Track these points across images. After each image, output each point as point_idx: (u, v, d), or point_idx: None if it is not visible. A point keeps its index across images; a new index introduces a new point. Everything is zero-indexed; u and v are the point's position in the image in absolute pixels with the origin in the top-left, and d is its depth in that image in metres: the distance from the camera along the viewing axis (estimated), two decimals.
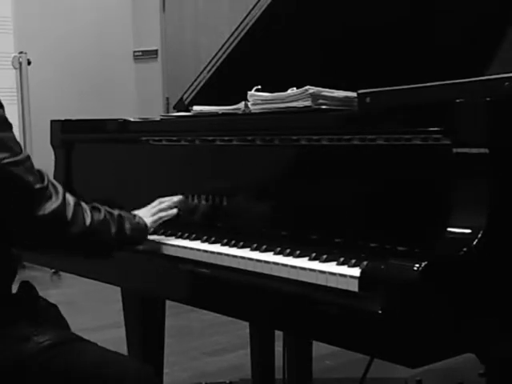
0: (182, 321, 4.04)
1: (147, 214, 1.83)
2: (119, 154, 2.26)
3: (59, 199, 1.55)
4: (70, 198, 1.60)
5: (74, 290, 4.58)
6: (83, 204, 1.64)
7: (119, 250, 1.77)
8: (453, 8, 1.93)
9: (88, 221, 1.62)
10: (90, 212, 1.64)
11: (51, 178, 1.60)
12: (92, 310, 4.35)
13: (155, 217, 1.84)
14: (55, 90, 6.33)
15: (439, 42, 1.95)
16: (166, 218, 1.85)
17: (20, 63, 5.52)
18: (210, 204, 1.90)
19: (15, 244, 1.63)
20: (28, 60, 5.56)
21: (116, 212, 1.73)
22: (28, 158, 1.52)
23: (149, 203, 1.88)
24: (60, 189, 1.58)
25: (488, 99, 1.39)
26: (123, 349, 2.35)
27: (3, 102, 1.52)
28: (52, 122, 2.45)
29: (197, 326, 4.10)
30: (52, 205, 1.53)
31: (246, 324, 2.52)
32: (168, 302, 2.30)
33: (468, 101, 1.40)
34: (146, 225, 1.80)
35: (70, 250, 1.67)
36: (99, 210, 1.68)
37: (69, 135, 2.40)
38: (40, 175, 1.54)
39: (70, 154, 2.38)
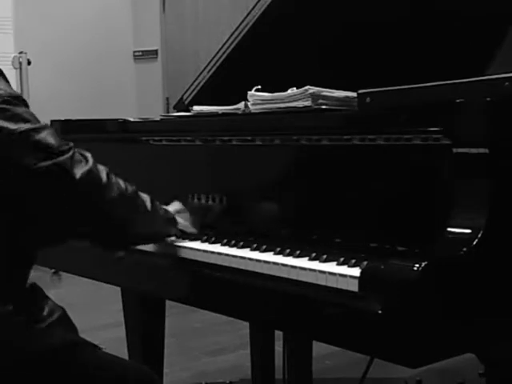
0: (182, 321, 4.04)
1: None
2: (119, 154, 2.26)
3: (89, 162, 1.51)
4: (101, 166, 1.56)
5: (74, 289, 4.58)
6: (111, 172, 1.60)
7: (149, 233, 1.70)
8: (453, 8, 1.93)
9: (123, 187, 1.57)
10: (123, 181, 1.60)
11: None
12: (92, 310, 4.35)
13: (180, 220, 1.78)
14: (55, 90, 6.33)
15: (439, 42, 1.95)
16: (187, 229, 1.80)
17: (20, 63, 5.52)
18: (210, 204, 1.90)
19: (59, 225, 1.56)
20: (28, 60, 5.56)
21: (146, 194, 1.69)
22: (48, 126, 1.50)
23: None
24: (89, 155, 1.53)
25: (488, 99, 1.39)
26: (123, 349, 2.35)
27: None
28: (52, 121, 2.44)
29: (197, 326, 4.10)
30: (83, 168, 1.49)
31: (246, 324, 2.52)
32: (168, 302, 2.30)
33: (468, 101, 1.40)
34: (175, 219, 1.75)
35: (109, 216, 1.58)
36: (131, 184, 1.64)
37: (69, 135, 2.39)
38: (65, 141, 1.50)
39: None
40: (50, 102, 6.01)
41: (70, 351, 1.54)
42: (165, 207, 1.75)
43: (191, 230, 1.81)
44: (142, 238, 1.71)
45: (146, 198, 1.66)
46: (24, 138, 1.43)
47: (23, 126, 1.43)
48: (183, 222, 1.79)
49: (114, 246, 1.74)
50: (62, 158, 1.45)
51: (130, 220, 1.62)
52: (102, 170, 1.54)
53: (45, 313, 1.54)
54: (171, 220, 1.75)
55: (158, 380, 1.66)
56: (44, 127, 1.47)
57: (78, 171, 1.47)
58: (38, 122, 1.47)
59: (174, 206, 1.81)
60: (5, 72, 1.54)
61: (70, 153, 1.47)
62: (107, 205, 1.55)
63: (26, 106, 1.49)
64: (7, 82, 1.53)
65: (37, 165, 1.43)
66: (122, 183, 1.59)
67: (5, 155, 1.43)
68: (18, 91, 5.43)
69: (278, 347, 2.53)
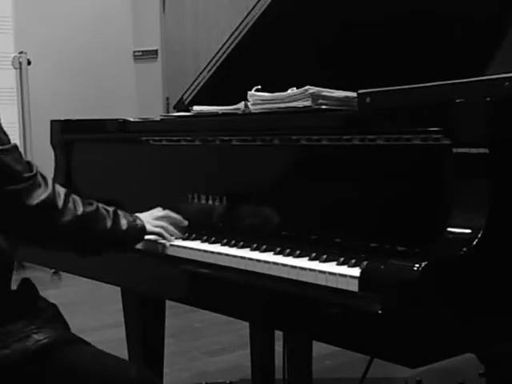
0: (182, 321, 4.04)
1: (148, 218, 1.81)
2: (119, 154, 2.26)
3: (49, 188, 1.56)
4: (61, 189, 1.60)
5: (74, 289, 4.58)
6: (74, 195, 1.64)
7: (112, 248, 1.76)
8: (453, 8, 1.93)
9: (80, 210, 1.62)
10: (82, 203, 1.64)
11: (39, 169, 1.60)
12: (92, 310, 4.35)
13: (157, 223, 1.81)
14: (55, 90, 6.33)
15: (439, 42, 1.95)
16: (163, 232, 1.82)
17: (20, 63, 5.52)
18: (210, 204, 1.90)
19: (7, 237, 1.62)
20: (28, 60, 5.56)
21: (112, 208, 1.72)
22: (16, 147, 1.53)
23: (149, 203, 1.88)
24: (49, 179, 1.58)
25: (488, 99, 1.39)
26: (123, 349, 2.35)
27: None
28: (52, 122, 2.45)
29: (197, 326, 4.10)
30: (42, 194, 1.54)
31: (246, 324, 2.52)
32: (168, 302, 2.30)
33: (468, 101, 1.40)
34: (143, 226, 1.77)
35: (61, 240, 1.65)
36: (92, 204, 1.68)
37: (69, 135, 2.40)
38: (29, 165, 1.55)
39: (70, 154, 2.38)
40: (50, 102, 6.01)
41: (65, 348, 1.54)
42: (136, 215, 1.78)
43: (172, 232, 1.83)
44: (104, 251, 1.75)
45: (105, 214, 1.69)
46: None
47: None
48: (153, 222, 1.80)
49: (78, 254, 1.78)
50: (23, 185, 1.51)
51: (84, 238, 1.67)
52: (60, 195, 1.58)
53: (37, 308, 1.58)
54: (137, 229, 1.76)
55: (157, 381, 1.66)
56: (10, 150, 1.50)
57: (35, 199, 1.53)
58: (8, 142, 1.51)
59: (154, 213, 1.84)
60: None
61: (31, 181, 1.53)
62: (61, 227, 1.60)
63: None
64: None
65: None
66: (79, 206, 1.63)
67: None
68: (18, 91, 5.44)
69: (278, 347, 2.52)
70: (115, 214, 1.71)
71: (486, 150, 1.36)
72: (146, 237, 1.80)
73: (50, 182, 1.58)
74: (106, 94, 6.62)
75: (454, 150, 1.39)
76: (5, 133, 1.53)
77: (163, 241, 1.81)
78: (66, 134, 2.40)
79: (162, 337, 2.40)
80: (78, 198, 1.64)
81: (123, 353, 2.27)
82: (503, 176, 1.39)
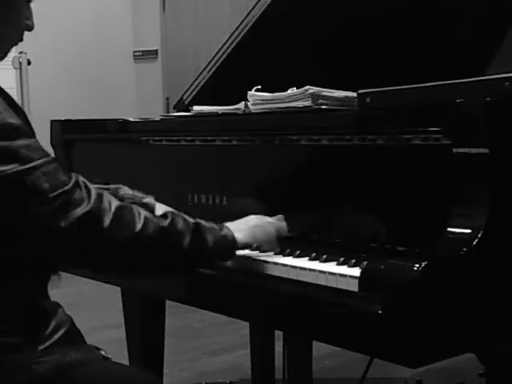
0: (182, 321, 4.04)
1: (242, 227, 1.56)
2: (119, 154, 2.26)
3: (90, 203, 1.33)
4: (113, 201, 1.37)
5: (74, 289, 4.58)
6: (137, 208, 1.40)
7: (198, 266, 1.56)
8: (453, 8, 1.93)
9: (138, 227, 1.36)
10: (145, 218, 1.39)
11: (86, 181, 1.38)
12: (92, 310, 4.35)
13: (252, 232, 1.56)
14: (55, 90, 6.33)
15: (439, 42, 1.95)
16: (269, 240, 1.59)
17: (20, 63, 5.51)
18: (211, 204, 1.90)
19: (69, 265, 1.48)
20: (28, 60, 5.55)
21: (193, 220, 1.47)
22: (44, 163, 1.33)
23: None
24: (93, 192, 1.36)
25: (488, 99, 1.39)
26: (123, 349, 2.35)
27: None
28: (52, 122, 2.45)
29: (197, 326, 4.10)
30: (80, 211, 1.32)
31: (246, 324, 2.52)
32: (168, 302, 2.30)
33: (468, 101, 1.40)
34: (234, 239, 1.52)
35: (118, 263, 1.42)
36: (166, 217, 1.43)
37: (69, 135, 2.40)
38: (63, 181, 1.33)
39: (70, 154, 2.37)
40: (50, 102, 6.01)
41: (65, 373, 1.45)
42: (226, 225, 1.54)
43: (270, 245, 1.61)
44: (183, 270, 1.55)
45: (181, 230, 1.43)
46: (10, 181, 1.30)
47: (10, 168, 1.30)
48: (248, 232, 1.56)
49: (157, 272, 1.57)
50: (51, 205, 1.31)
51: (148, 259, 1.43)
52: (108, 209, 1.35)
53: (49, 330, 1.47)
54: (228, 245, 1.52)
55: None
56: (36, 167, 1.32)
57: (71, 217, 1.31)
58: (34, 159, 1.32)
59: (249, 221, 1.60)
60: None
61: (61, 198, 1.32)
62: (112, 249, 1.38)
63: (26, 135, 1.35)
64: (7, 99, 1.40)
65: (26, 211, 1.31)
66: (140, 219, 1.38)
67: None
68: (18, 91, 5.43)
69: (278, 347, 2.53)
70: (196, 227, 1.46)
71: (486, 150, 1.36)
72: (241, 252, 1.58)
73: (93, 194, 1.35)
74: (106, 93, 6.62)
75: (454, 150, 1.39)
76: (35, 148, 1.33)
77: (261, 256, 1.58)
78: (66, 133, 2.40)
79: (162, 337, 2.40)
80: (141, 212, 1.39)
81: (123, 353, 2.27)
82: (503, 176, 1.39)
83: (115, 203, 1.38)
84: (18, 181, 1.31)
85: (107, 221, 1.34)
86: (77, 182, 1.35)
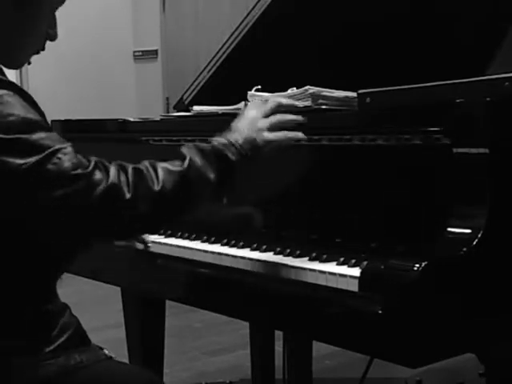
0: (182, 321, 4.04)
1: (251, 128, 1.48)
2: (119, 154, 2.24)
3: (109, 180, 1.33)
4: (129, 170, 1.37)
5: (74, 289, 4.57)
6: (152, 165, 1.39)
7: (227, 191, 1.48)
8: (453, 8, 1.93)
9: (157, 187, 1.35)
10: (162, 172, 1.37)
11: (102, 161, 1.38)
12: (92, 310, 4.35)
13: (270, 135, 1.48)
14: (55, 89, 6.33)
15: (439, 42, 1.95)
16: (284, 143, 1.49)
17: None
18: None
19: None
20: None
21: (208, 146, 1.43)
22: (65, 147, 1.32)
23: None
24: (111, 168, 1.36)
25: (488, 99, 1.39)
26: (123, 349, 2.35)
27: None
28: (52, 121, 2.44)
29: (197, 326, 4.10)
30: (101, 189, 1.31)
31: (246, 324, 2.53)
32: (168, 302, 2.30)
33: (468, 101, 1.40)
34: (256, 143, 1.46)
35: (153, 226, 1.44)
36: (184, 158, 1.40)
37: (69, 135, 2.38)
38: (81, 162, 1.33)
39: None
40: (50, 102, 5.98)
41: (71, 374, 1.47)
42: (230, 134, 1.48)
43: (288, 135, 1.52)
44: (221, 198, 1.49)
45: (202, 165, 1.39)
46: (32, 172, 1.29)
47: (30, 160, 1.29)
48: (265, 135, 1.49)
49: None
50: (75, 186, 1.30)
51: (186, 206, 1.41)
52: (126, 182, 1.35)
53: (55, 332, 1.47)
54: (249, 151, 1.46)
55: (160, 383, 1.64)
56: (56, 151, 1.31)
57: (95, 194, 1.31)
58: (54, 145, 1.32)
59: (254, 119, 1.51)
60: (5, 72, 1.47)
61: (85, 177, 1.31)
62: (144, 217, 1.36)
63: (44, 128, 1.35)
64: (28, 100, 1.41)
65: (50, 196, 1.30)
66: (156, 179, 1.36)
67: (15, 192, 1.31)
68: None
69: (278, 347, 2.53)
70: (214, 151, 1.42)
71: (486, 150, 1.36)
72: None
73: (112, 171, 1.35)
74: (106, 93, 6.62)
75: (454, 150, 1.39)
76: (52, 139, 1.33)
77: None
78: (66, 133, 2.40)
79: (162, 337, 2.40)
80: (158, 168, 1.38)
81: (123, 353, 2.27)
82: (503, 176, 1.39)
83: (131, 171, 1.37)
84: (41, 170, 1.30)
85: (127, 193, 1.33)
86: (96, 163, 1.35)
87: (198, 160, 1.41)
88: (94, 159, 1.36)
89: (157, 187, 1.36)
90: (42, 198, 1.31)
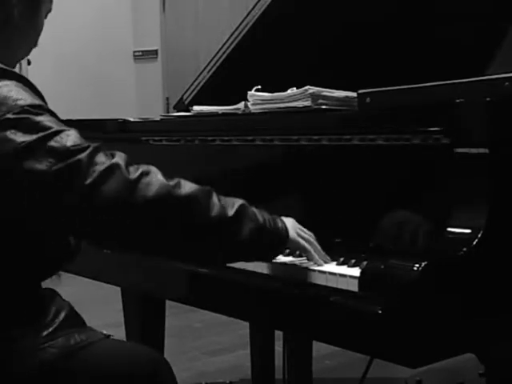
0: (182, 321, 4.04)
1: (293, 226, 1.50)
2: None
3: (113, 160, 1.37)
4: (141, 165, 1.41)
5: (74, 289, 4.57)
6: (152, 174, 1.43)
7: (231, 254, 1.47)
8: (453, 8, 1.93)
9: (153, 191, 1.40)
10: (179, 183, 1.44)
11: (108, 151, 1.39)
12: (92, 310, 4.34)
13: (304, 235, 1.50)
14: (55, 89, 6.32)
15: (439, 42, 1.95)
16: (311, 249, 1.50)
17: (20, 63, 5.52)
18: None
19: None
20: (28, 60, 5.55)
21: (238, 202, 1.45)
22: (68, 129, 1.38)
23: None
24: (117, 153, 1.39)
25: (488, 99, 1.39)
26: None
27: None
28: None
29: (197, 326, 4.10)
30: (102, 166, 1.33)
31: (246, 324, 2.52)
32: (168, 302, 2.30)
33: (468, 101, 1.40)
34: (287, 232, 1.45)
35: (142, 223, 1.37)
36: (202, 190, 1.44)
37: None
38: (84, 141, 1.36)
39: None
40: (50, 102, 5.98)
41: (75, 353, 1.48)
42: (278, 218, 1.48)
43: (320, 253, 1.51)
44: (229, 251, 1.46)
45: (224, 202, 1.45)
46: (34, 147, 1.32)
47: (33, 137, 1.32)
48: (298, 232, 1.50)
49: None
50: (75, 158, 1.32)
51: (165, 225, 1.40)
52: (128, 168, 1.39)
53: (50, 316, 1.49)
54: (282, 236, 1.46)
55: (163, 360, 1.62)
56: (57, 132, 1.35)
57: (95, 170, 1.32)
58: (58, 127, 1.37)
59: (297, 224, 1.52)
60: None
61: (87, 151, 1.34)
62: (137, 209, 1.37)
63: (52, 114, 1.41)
64: (35, 91, 1.47)
65: (50, 169, 1.31)
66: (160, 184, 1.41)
67: (16, 168, 1.32)
68: None
69: (278, 347, 2.53)
70: (242, 209, 1.44)
71: (486, 150, 1.36)
72: (284, 259, 1.52)
73: (118, 156, 1.39)
74: (106, 93, 6.62)
75: (454, 150, 1.39)
76: (57, 123, 1.38)
77: (306, 262, 1.50)
78: None
79: (162, 337, 2.40)
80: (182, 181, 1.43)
81: None
82: (503, 176, 1.39)
83: (142, 166, 1.44)
84: (43, 146, 1.33)
85: (128, 175, 1.38)
86: (99, 146, 1.38)
87: (215, 198, 1.46)
88: (98, 144, 1.38)
89: (152, 193, 1.40)
90: (41, 172, 1.32)
